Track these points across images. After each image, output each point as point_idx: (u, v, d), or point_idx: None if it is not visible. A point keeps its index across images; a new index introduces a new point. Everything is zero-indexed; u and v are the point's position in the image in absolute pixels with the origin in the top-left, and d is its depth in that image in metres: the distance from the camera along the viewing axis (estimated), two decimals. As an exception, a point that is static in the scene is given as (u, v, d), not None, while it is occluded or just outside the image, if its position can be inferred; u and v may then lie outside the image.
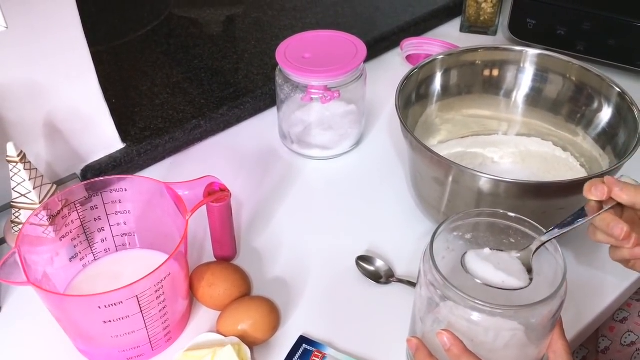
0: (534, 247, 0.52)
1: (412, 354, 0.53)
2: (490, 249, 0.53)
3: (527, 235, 0.53)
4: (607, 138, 0.70)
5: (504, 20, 1.05)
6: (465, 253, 0.53)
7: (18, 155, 0.62)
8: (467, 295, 0.47)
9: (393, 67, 1.00)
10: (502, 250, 0.53)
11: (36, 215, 0.58)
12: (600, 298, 0.66)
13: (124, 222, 0.66)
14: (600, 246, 0.70)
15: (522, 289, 0.51)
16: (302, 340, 0.61)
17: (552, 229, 0.52)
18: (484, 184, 0.60)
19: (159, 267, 0.54)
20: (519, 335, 0.49)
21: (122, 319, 0.54)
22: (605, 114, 0.71)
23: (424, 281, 0.50)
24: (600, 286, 0.67)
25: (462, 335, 0.49)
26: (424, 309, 0.52)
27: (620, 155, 0.66)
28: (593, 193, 0.52)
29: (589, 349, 0.76)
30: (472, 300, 0.47)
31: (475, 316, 0.48)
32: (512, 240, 0.54)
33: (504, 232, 0.54)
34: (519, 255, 0.53)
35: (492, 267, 0.52)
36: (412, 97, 0.74)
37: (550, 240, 0.52)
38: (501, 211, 0.53)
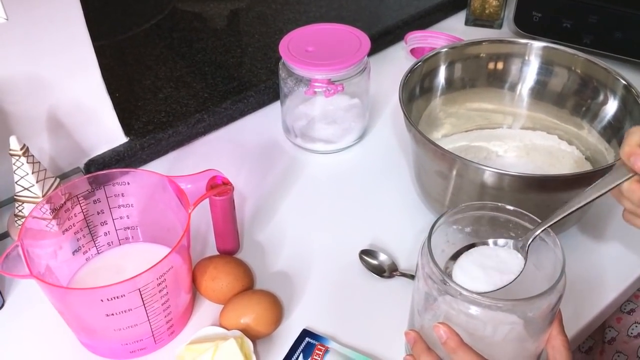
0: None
1: (409, 347, 0.53)
2: (478, 244, 0.53)
3: (527, 229, 0.53)
4: (612, 131, 0.70)
5: (509, 13, 1.05)
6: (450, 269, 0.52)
7: (21, 149, 0.62)
8: (465, 289, 0.47)
9: (397, 61, 1.00)
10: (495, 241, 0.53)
11: (39, 209, 0.59)
12: (604, 294, 0.65)
13: (127, 216, 0.66)
14: (604, 242, 0.70)
15: (518, 275, 0.51)
16: (305, 333, 0.61)
17: (574, 199, 0.51)
18: (488, 177, 0.60)
19: (161, 260, 0.53)
20: (517, 329, 0.48)
21: (125, 312, 0.55)
22: (611, 107, 0.71)
23: (421, 274, 0.50)
24: (603, 282, 0.66)
25: (460, 329, 0.48)
26: (422, 302, 0.51)
27: (626, 148, 0.65)
28: (633, 163, 0.49)
29: (595, 340, 0.76)
30: (470, 294, 0.47)
31: (474, 310, 0.47)
32: (512, 234, 0.54)
33: (504, 225, 0.54)
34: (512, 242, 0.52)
35: (481, 274, 0.51)
36: (416, 90, 0.73)
37: (575, 210, 0.51)
38: (500, 204, 0.53)
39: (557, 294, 0.47)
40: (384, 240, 0.71)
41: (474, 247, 0.53)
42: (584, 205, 0.52)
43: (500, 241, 0.53)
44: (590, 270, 0.68)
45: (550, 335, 0.51)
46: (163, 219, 0.64)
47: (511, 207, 0.53)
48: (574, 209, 0.52)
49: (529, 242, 0.52)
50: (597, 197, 0.51)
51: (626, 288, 0.67)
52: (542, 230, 0.51)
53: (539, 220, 0.52)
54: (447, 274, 0.48)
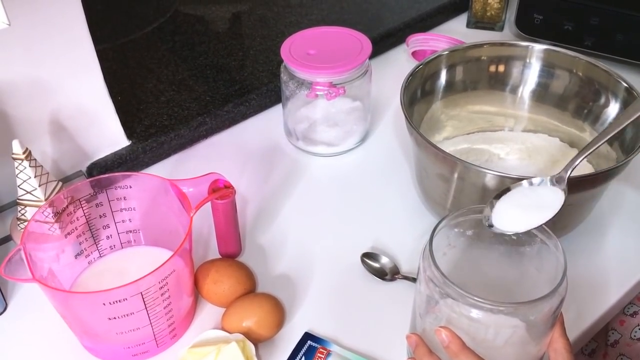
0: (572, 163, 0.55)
1: (411, 350, 0.53)
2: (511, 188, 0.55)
3: (529, 232, 0.53)
4: (614, 134, 0.70)
5: (510, 15, 1.05)
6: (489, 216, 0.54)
7: (24, 153, 0.63)
8: (467, 292, 0.47)
9: (399, 64, 1.00)
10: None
11: (42, 212, 0.59)
12: (606, 296, 0.65)
13: (129, 219, 0.66)
14: (606, 244, 0.70)
15: (560, 209, 0.53)
16: (307, 336, 0.61)
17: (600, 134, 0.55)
18: (490, 180, 0.60)
19: (164, 263, 0.54)
20: (519, 333, 0.48)
21: (127, 315, 0.55)
22: (613, 110, 0.71)
23: (423, 278, 0.50)
24: (606, 284, 0.66)
25: (462, 332, 0.48)
26: (424, 305, 0.51)
27: (628, 150, 0.65)
28: None
29: (598, 342, 0.76)
30: (472, 298, 0.46)
31: (475, 313, 0.47)
32: (513, 237, 0.54)
33: None
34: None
35: (521, 214, 0.53)
36: (418, 93, 0.73)
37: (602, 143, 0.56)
38: None
39: (559, 297, 0.47)
40: (385, 243, 0.71)
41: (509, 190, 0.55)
42: (615, 134, 0.56)
43: (536, 179, 0.55)
44: (593, 272, 0.67)
45: (552, 338, 0.50)
46: (165, 222, 0.64)
47: None
48: (607, 137, 0.56)
49: (567, 174, 0.54)
50: (623, 127, 0.57)
51: (629, 290, 0.66)
52: (582, 159, 0.55)
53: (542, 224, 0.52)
54: (449, 278, 0.48)
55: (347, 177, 0.81)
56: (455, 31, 1.06)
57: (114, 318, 0.54)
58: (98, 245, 0.66)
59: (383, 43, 1.01)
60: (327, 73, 0.76)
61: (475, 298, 0.46)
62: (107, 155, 0.79)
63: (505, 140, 0.78)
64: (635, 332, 0.71)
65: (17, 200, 0.66)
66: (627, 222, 0.73)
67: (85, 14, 0.68)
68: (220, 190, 0.61)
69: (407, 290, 0.65)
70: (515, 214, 0.53)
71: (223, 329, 0.60)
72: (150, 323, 0.57)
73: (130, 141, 0.81)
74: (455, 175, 0.63)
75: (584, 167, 0.73)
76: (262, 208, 0.76)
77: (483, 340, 0.49)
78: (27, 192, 0.65)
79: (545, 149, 0.76)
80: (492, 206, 0.53)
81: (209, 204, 0.62)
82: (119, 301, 0.53)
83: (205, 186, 0.61)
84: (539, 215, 0.52)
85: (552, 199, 0.53)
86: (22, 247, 0.54)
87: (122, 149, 0.80)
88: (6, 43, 0.65)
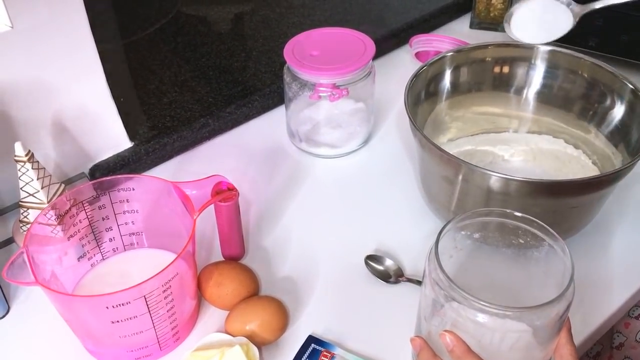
0: None
1: (416, 354, 0.53)
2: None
3: (535, 235, 0.52)
4: (619, 135, 0.69)
5: (514, 16, 1.04)
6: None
7: (26, 155, 0.62)
8: (473, 296, 0.46)
9: (402, 65, 1.00)
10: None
11: (44, 215, 0.58)
12: (612, 299, 0.65)
13: (132, 222, 0.66)
14: (611, 247, 0.70)
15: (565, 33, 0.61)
16: (311, 339, 0.61)
17: None
18: (494, 182, 0.59)
19: (167, 266, 0.53)
20: (525, 337, 0.48)
21: (130, 319, 0.54)
22: (618, 111, 0.70)
23: (428, 280, 0.50)
24: (611, 287, 0.66)
25: (467, 336, 0.48)
26: (429, 308, 0.51)
27: (634, 152, 0.65)
28: None
29: (603, 345, 0.75)
30: (478, 302, 0.46)
31: (481, 317, 0.47)
32: (520, 240, 0.53)
33: (512, 232, 0.53)
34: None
35: (534, 28, 0.63)
36: (422, 94, 0.73)
37: None
38: (508, 211, 0.53)
39: (566, 301, 0.47)
40: (389, 246, 0.70)
41: None
42: None
43: None
44: (598, 275, 0.67)
45: (558, 344, 0.50)
46: (168, 224, 0.64)
47: (519, 214, 0.52)
48: None
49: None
50: None
51: (634, 293, 0.66)
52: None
53: (547, 227, 0.51)
54: (455, 282, 0.47)
55: (351, 179, 0.80)
56: (459, 32, 1.06)
57: (117, 321, 0.54)
58: (101, 248, 0.66)
59: (386, 44, 1.01)
60: (330, 74, 0.76)
61: (481, 302, 0.46)
62: (110, 157, 0.79)
63: (509, 142, 0.77)
64: (641, 334, 0.71)
65: (20, 203, 0.66)
66: (632, 224, 0.72)
67: (88, 15, 0.68)
68: (224, 193, 0.61)
69: (411, 293, 0.65)
70: (530, 27, 0.66)
71: (226, 332, 0.60)
72: (154, 326, 0.57)
73: (133, 143, 0.81)
74: (460, 177, 0.62)
75: (588, 170, 0.72)
76: (265, 210, 0.76)
77: (488, 344, 0.48)
78: (30, 195, 0.65)
79: (550, 150, 0.76)
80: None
81: (212, 206, 0.62)
82: (122, 304, 0.53)
83: (209, 188, 0.60)
84: (548, 34, 0.62)
85: (564, 25, 0.63)
86: (24, 249, 0.54)
87: (125, 150, 0.80)
88: (9, 45, 0.64)
